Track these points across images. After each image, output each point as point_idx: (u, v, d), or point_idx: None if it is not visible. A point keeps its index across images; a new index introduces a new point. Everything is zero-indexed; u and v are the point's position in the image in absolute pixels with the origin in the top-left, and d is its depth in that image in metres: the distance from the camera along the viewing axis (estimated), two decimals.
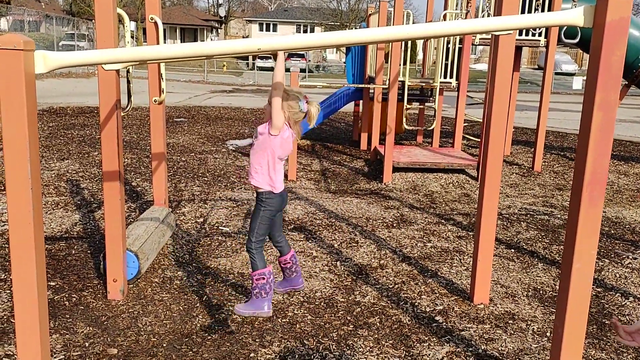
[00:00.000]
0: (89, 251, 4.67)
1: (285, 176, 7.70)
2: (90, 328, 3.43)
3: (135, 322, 3.53)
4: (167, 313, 3.67)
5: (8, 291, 3.82)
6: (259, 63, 35.57)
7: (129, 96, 4.18)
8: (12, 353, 3.08)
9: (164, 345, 3.28)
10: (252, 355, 3.19)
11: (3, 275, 4.10)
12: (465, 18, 8.96)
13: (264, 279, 3.14)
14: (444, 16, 8.59)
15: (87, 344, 3.24)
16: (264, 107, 3.14)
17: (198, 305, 3.80)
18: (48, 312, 2.46)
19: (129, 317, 3.59)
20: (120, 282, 3.80)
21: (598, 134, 2.42)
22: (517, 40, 8.17)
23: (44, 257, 2.45)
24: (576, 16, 2.41)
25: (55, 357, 3.07)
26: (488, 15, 9.44)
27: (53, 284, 4.01)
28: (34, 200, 2.30)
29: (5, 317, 3.49)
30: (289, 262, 3.41)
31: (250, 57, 40.30)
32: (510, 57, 3.67)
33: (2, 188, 6.31)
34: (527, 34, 8.86)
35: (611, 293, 4.25)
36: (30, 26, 27.37)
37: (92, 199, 6.21)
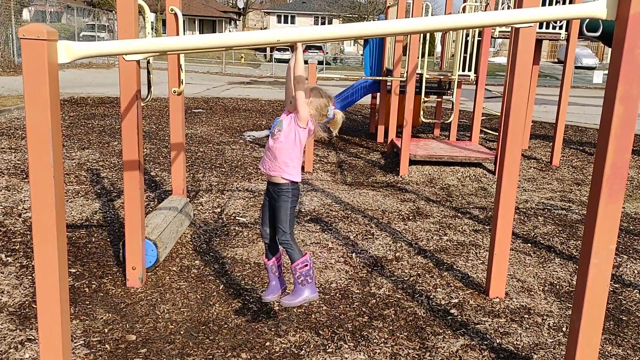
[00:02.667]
0: (108, 239, 4.75)
1: (302, 168, 7.73)
2: (110, 314, 3.49)
3: (154, 309, 3.59)
4: (185, 301, 3.72)
5: (30, 277, 3.90)
6: (277, 55, 35.56)
7: (149, 87, 4.22)
8: (33, 337, 3.15)
9: (181, 332, 3.33)
10: (267, 344, 3.23)
11: (25, 261, 4.18)
12: (485, 10, 8.87)
13: (307, 265, 3.12)
14: (464, 8, 8.52)
15: (106, 330, 3.30)
16: (289, 99, 3.11)
17: (215, 294, 3.85)
18: (69, 298, 2.51)
19: (147, 305, 3.64)
20: (139, 270, 3.86)
21: (619, 128, 2.40)
22: (537, 33, 8.08)
23: (66, 244, 2.50)
24: (599, 8, 2.38)
25: (75, 342, 3.14)
26: (508, 8, 9.34)
27: (73, 270, 4.08)
28: (56, 188, 2.35)
29: (27, 302, 3.57)
30: (279, 261, 3.34)
31: (268, 49, 40.30)
32: (531, 51, 3.64)
33: (25, 176, 6.43)
34: (547, 27, 8.75)
35: (629, 289, 4.21)
36: (51, 17, 27.64)
37: (112, 188, 6.29)
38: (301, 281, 3.12)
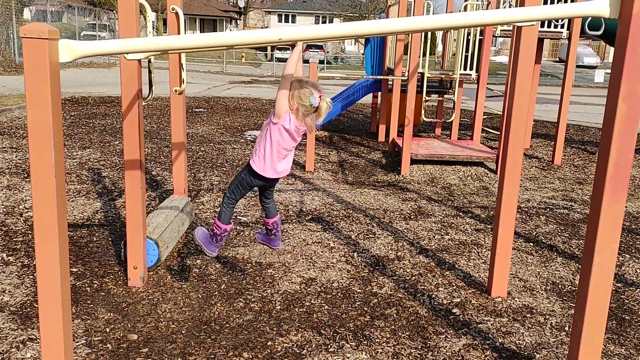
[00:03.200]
0: (110, 238, 4.74)
1: (303, 167, 7.73)
2: (111, 314, 3.49)
3: (155, 308, 3.58)
4: (186, 300, 3.71)
5: (31, 277, 3.90)
6: (278, 54, 35.55)
7: (150, 86, 4.22)
8: (35, 337, 3.14)
9: (183, 332, 3.32)
10: (269, 343, 3.23)
11: (27, 261, 4.18)
12: (486, 9, 8.85)
13: (219, 230, 3.39)
14: (465, 7, 8.50)
15: (107, 330, 3.30)
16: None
17: (216, 293, 3.84)
18: (70, 297, 2.51)
19: (149, 304, 3.64)
20: (140, 270, 3.86)
21: (622, 127, 2.39)
22: (539, 32, 8.07)
23: (67, 243, 2.50)
24: (602, 7, 2.37)
25: (76, 342, 3.13)
26: (509, 6, 9.32)
27: (75, 270, 4.08)
28: (58, 187, 2.35)
29: (28, 301, 3.57)
30: (271, 226, 3.53)
31: (269, 48, 40.27)
32: (533, 49, 3.63)
33: (26, 175, 6.42)
34: (549, 26, 8.73)
35: (631, 288, 4.20)
36: (52, 16, 27.66)
37: (113, 188, 6.29)
38: (210, 235, 3.43)
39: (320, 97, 3.00)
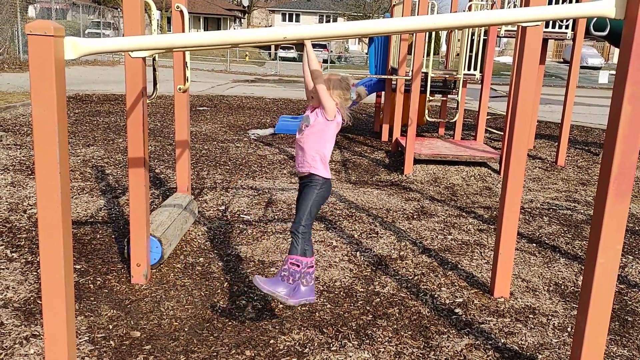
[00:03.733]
0: (113, 236, 4.76)
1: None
2: (114, 311, 3.50)
3: (158, 306, 3.59)
4: (189, 298, 3.72)
5: (35, 273, 3.91)
6: (281, 53, 35.55)
7: (155, 84, 4.22)
8: (38, 333, 3.16)
9: (186, 329, 3.33)
10: (271, 341, 3.23)
11: (30, 257, 4.19)
12: (491, 9, 8.84)
13: (298, 266, 2.98)
14: (470, 7, 8.49)
15: (110, 327, 3.31)
16: (310, 94, 3.12)
17: (219, 291, 3.85)
18: (74, 294, 2.52)
19: (152, 301, 3.65)
20: (143, 267, 3.87)
21: (627, 128, 2.38)
22: (543, 32, 8.05)
23: (71, 240, 2.50)
24: (608, 7, 2.37)
25: (80, 338, 3.14)
26: (514, 6, 9.31)
27: (78, 267, 4.09)
28: (62, 184, 2.35)
29: (32, 298, 3.58)
30: (306, 268, 3.09)
31: (273, 47, 40.28)
32: (537, 50, 3.62)
33: (30, 172, 6.44)
34: (553, 26, 8.71)
35: (635, 290, 4.20)
36: (57, 14, 27.72)
37: (117, 185, 6.30)
38: (283, 275, 3.02)
39: (356, 89, 3.10)
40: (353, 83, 3.09)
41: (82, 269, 4.07)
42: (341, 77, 3.07)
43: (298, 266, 3.01)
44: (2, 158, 7.07)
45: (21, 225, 4.86)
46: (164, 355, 3.05)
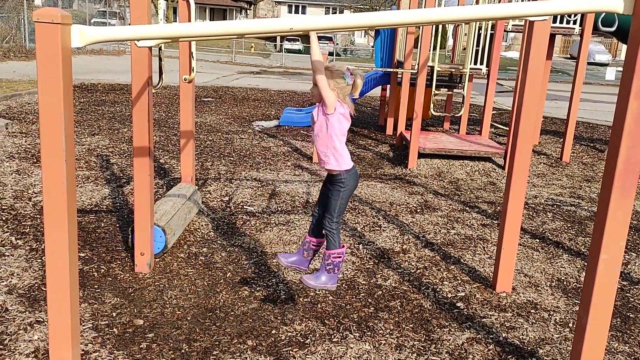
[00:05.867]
0: (117, 224, 4.78)
1: (310, 159, 7.73)
2: (118, 299, 3.52)
3: (161, 295, 3.61)
4: (192, 288, 3.74)
5: (39, 260, 3.94)
6: (287, 45, 35.43)
7: (160, 74, 4.23)
8: (42, 319, 3.18)
9: (188, 318, 3.35)
10: (273, 332, 3.25)
11: (35, 245, 4.22)
12: (499, 2, 8.78)
13: (340, 257, 3.14)
14: (477, 0, 8.44)
15: (114, 314, 3.33)
16: (311, 90, 3.09)
17: (222, 281, 3.87)
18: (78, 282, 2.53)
19: (155, 290, 3.67)
20: (147, 256, 3.89)
21: (633, 124, 2.38)
22: (550, 27, 8.01)
23: (76, 228, 2.52)
24: (616, 3, 2.35)
25: (83, 325, 3.17)
26: (522, 0, 9.25)
27: (82, 255, 4.11)
28: (68, 172, 2.36)
29: (36, 285, 3.60)
30: (318, 246, 3.31)
31: (278, 39, 40.18)
32: (544, 45, 3.61)
33: (36, 160, 6.47)
34: (561, 22, 8.66)
35: (637, 287, 4.19)
36: (63, 3, 27.71)
37: (121, 174, 6.32)
38: (329, 269, 3.14)
39: (351, 73, 3.01)
40: (347, 68, 3.03)
41: (87, 257, 4.10)
42: (335, 67, 3.01)
43: (340, 257, 3.15)
44: (8, 146, 7.10)
45: (26, 212, 4.88)
46: (167, 343, 3.07)
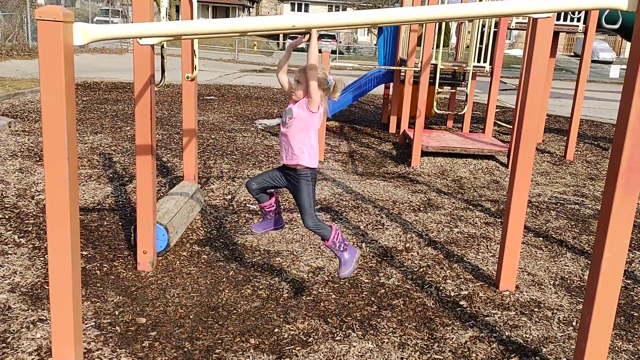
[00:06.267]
0: (120, 223, 4.78)
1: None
2: (120, 297, 3.52)
3: (164, 293, 3.61)
4: (195, 286, 3.74)
5: (42, 258, 3.94)
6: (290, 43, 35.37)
7: (163, 72, 4.23)
8: (45, 318, 3.18)
9: (191, 317, 3.35)
10: (276, 330, 3.24)
11: (38, 243, 4.22)
12: None
13: (338, 235, 3.22)
14: None
15: (117, 312, 3.33)
16: (294, 87, 3.12)
17: (224, 279, 3.86)
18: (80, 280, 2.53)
19: (158, 289, 3.67)
20: (150, 254, 3.89)
21: (637, 122, 2.36)
22: (554, 25, 7.98)
23: (79, 226, 2.52)
24: (620, 0, 2.34)
25: (86, 324, 3.17)
26: None
27: (85, 253, 4.12)
28: (70, 170, 2.36)
29: (39, 283, 3.61)
30: (274, 205, 3.40)
31: (281, 37, 40.18)
32: (548, 42, 3.59)
33: (38, 159, 6.47)
34: (565, 19, 8.63)
35: None
36: (65, 1, 27.74)
37: (124, 173, 6.32)
38: (341, 250, 3.22)
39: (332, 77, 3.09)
40: (329, 71, 3.11)
41: (89, 256, 4.10)
42: (321, 68, 3.09)
43: (337, 236, 3.21)
44: (11, 144, 7.11)
45: (29, 211, 4.89)
46: (169, 341, 3.07)
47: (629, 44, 2.77)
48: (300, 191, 3.14)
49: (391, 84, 10.61)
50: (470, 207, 5.92)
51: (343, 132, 9.96)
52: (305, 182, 3.13)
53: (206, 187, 5.99)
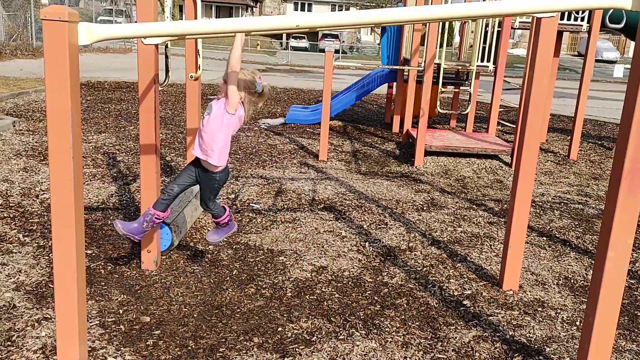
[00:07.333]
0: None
1: (316, 156, 7.73)
2: (124, 296, 3.53)
3: (168, 292, 3.62)
4: (198, 285, 3.75)
5: (47, 257, 3.96)
6: (293, 43, 35.44)
7: (167, 71, 4.23)
8: (50, 316, 3.20)
9: (195, 315, 3.36)
10: (279, 329, 3.25)
11: (42, 242, 4.24)
12: None
13: (230, 217, 3.58)
14: None
15: (121, 311, 3.35)
16: (219, 83, 3.20)
17: (228, 279, 3.87)
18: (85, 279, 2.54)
19: (162, 287, 3.68)
20: (153, 253, 3.90)
21: None
22: (558, 24, 7.96)
23: (83, 225, 2.53)
24: None
25: (90, 322, 3.18)
26: None
27: (89, 252, 4.13)
28: (75, 169, 2.37)
29: (44, 282, 3.62)
30: (160, 220, 3.49)
31: (284, 37, 40.19)
32: (552, 42, 3.59)
33: (43, 158, 6.50)
34: (569, 18, 8.61)
35: None
36: (70, 1, 27.81)
37: (128, 172, 6.34)
38: (228, 221, 3.58)
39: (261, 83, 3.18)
40: (259, 76, 3.17)
41: (93, 254, 4.11)
42: (247, 70, 3.17)
43: (230, 217, 3.58)
44: (15, 143, 7.14)
45: (33, 210, 4.91)
46: (173, 340, 3.08)
47: (633, 43, 2.77)
48: (205, 184, 3.36)
49: (394, 83, 10.60)
50: (474, 206, 5.92)
51: (346, 132, 9.96)
52: (213, 182, 3.32)
53: None
